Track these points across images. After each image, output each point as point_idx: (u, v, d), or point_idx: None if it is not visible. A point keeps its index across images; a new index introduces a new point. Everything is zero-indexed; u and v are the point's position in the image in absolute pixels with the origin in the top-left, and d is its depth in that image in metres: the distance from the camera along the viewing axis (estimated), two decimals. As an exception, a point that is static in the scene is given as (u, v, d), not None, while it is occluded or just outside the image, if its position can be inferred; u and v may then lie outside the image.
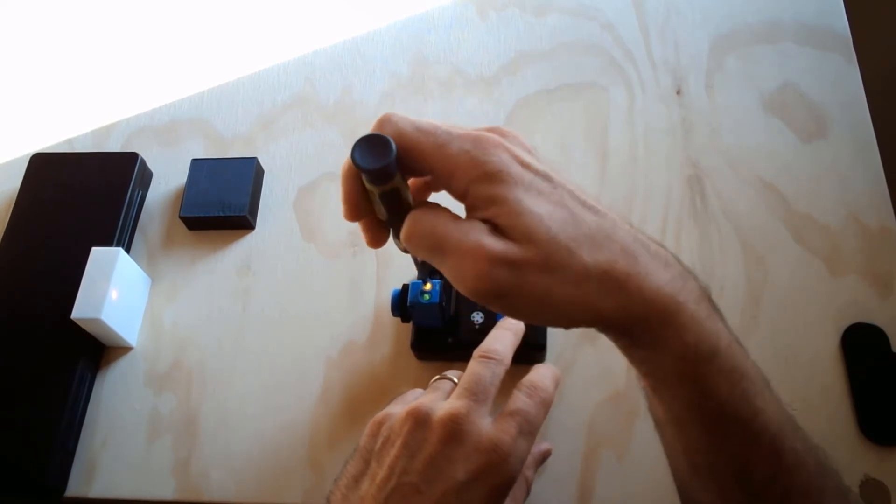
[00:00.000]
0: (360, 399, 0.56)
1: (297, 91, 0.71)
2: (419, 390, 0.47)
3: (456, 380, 0.44)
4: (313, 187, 0.65)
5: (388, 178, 0.34)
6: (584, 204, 0.35)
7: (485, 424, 0.40)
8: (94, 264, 0.57)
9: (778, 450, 0.35)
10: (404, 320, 0.54)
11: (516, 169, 0.34)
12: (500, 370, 0.43)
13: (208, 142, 0.69)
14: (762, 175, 0.61)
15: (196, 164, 0.65)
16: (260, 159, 0.66)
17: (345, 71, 0.71)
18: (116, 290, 0.57)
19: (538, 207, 0.33)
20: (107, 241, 0.61)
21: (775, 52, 0.66)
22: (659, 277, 0.34)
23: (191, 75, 0.73)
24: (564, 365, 0.55)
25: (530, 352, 0.54)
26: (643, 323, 0.34)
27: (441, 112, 0.67)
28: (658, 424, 0.41)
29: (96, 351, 0.59)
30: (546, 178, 0.34)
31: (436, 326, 0.54)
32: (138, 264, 0.61)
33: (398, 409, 0.42)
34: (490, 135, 0.35)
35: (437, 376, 0.46)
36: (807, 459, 0.36)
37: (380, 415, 0.43)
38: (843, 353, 0.53)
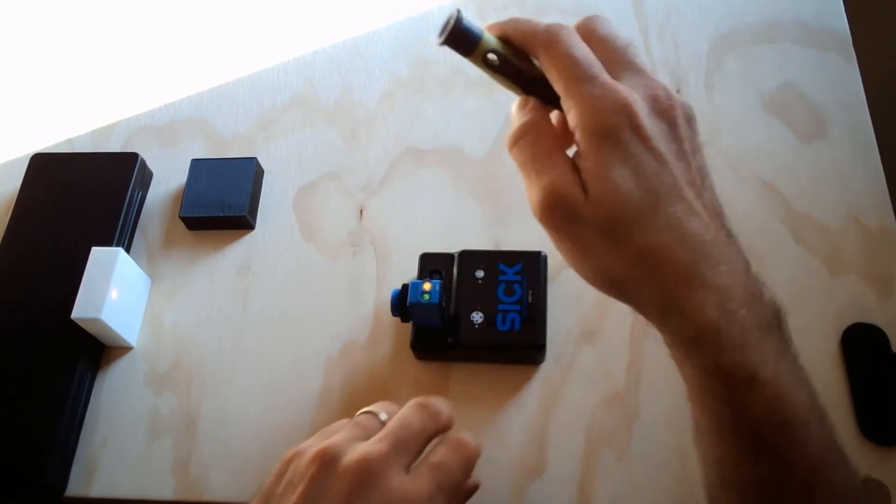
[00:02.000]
0: (360, 399, 0.55)
1: (296, 91, 0.71)
2: (345, 421, 0.42)
3: (384, 417, 0.40)
4: (313, 187, 0.65)
5: (467, 48, 0.37)
6: (682, 197, 0.34)
7: (400, 476, 0.36)
8: (94, 264, 0.57)
9: (811, 483, 0.34)
10: (404, 320, 0.54)
11: (625, 136, 0.34)
12: (433, 426, 0.39)
13: (208, 142, 0.69)
14: (762, 175, 0.61)
15: (196, 164, 0.65)
16: (260, 159, 0.66)
17: (344, 71, 0.71)
18: (116, 290, 0.57)
19: (624, 182, 0.34)
20: (107, 241, 0.61)
21: (775, 52, 0.66)
22: (708, 295, 0.33)
23: (191, 75, 0.73)
24: (564, 365, 0.55)
25: (530, 352, 0.54)
26: (674, 326, 0.35)
27: (440, 112, 0.67)
28: (694, 431, 0.39)
29: (96, 351, 0.59)
30: (658, 158, 0.34)
31: (435, 326, 0.54)
32: (138, 264, 0.61)
33: (313, 444, 0.38)
34: (624, 98, 0.34)
35: (364, 409, 0.42)
36: (840, 493, 0.35)
37: (291, 450, 0.39)
38: (843, 353, 0.53)
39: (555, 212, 0.35)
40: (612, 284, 0.36)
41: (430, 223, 0.62)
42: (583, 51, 0.36)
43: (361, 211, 0.64)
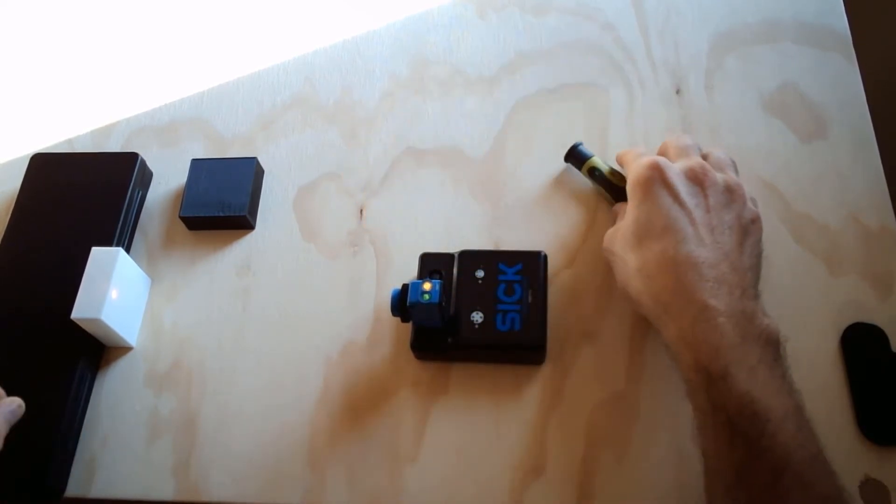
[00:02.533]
0: (360, 399, 0.56)
1: (296, 91, 0.71)
2: None
3: None
4: (313, 187, 0.65)
5: (577, 162, 0.60)
6: (686, 228, 0.46)
7: None
8: (94, 264, 0.57)
9: (779, 469, 0.38)
10: (404, 320, 0.54)
11: (654, 184, 0.48)
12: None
13: (208, 142, 0.69)
14: (762, 175, 0.61)
15: (196, 164, 0.65)
16: (260, 159, 0.66)
17: (344, 71, 0.71)
18: (116, 290, 0.57)
19: (641, 213, 0.48)
20: (107, 241, 0.61)
21: (775, 52, 0.66)
22: (690, 303, 0.43)
23: (191, 75, 0.73)
24: (564, 365, 0.55)
25: (530, 352, 0.54)
26: (661, 326, 0.46)
27: (441, 112, 0.67)
28: (694, 431, 0.45)
29: (96, 351, 0.59)
30: (675, 199, 0.47)
31: (435, 326, 0.54)
32: (138, 264, 0.61)
33: None
34: (656, 161, 0.49)
35: None
36: (811, 489, 0.39)
37: None
38: (843, 352, 0.53)
39: (605, 250, 0.53)
40: (627, 295, 0.50)
41: (430, 223, 0.62)
42: (641, 150, 0.54)
43: (361, 211, 0.64)
